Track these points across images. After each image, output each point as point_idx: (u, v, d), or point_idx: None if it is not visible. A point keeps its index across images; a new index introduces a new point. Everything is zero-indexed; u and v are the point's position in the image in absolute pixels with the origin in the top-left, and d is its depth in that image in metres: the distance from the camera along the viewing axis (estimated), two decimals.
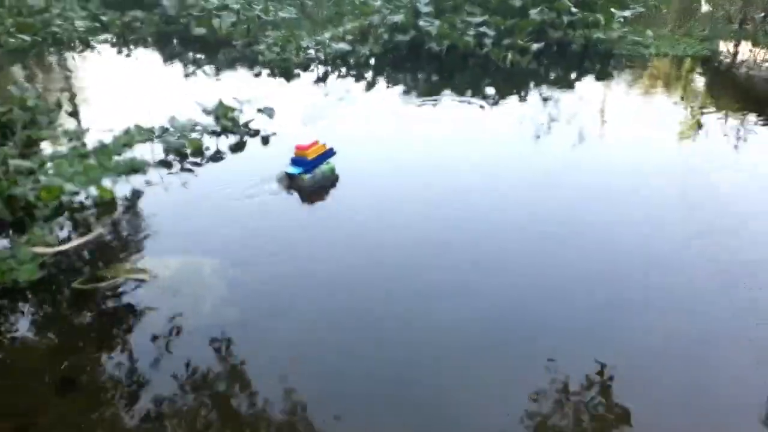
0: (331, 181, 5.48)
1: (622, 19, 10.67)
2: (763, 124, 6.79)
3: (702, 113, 7.27)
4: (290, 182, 5.35)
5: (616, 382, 3.08)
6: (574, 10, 10.30)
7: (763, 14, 11.00)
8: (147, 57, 11.05)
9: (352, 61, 10.22)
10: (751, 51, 10.19)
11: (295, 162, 5.44)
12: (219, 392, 3.06)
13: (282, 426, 2.85)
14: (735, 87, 8.59)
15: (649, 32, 10.95)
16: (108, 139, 6.22)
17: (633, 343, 3.39)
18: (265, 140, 6.62)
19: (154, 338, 3.42)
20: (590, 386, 3.06)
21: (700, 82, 9.00)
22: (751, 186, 5.33)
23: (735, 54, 10.15)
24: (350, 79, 9.29)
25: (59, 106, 7.58)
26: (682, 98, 7.92)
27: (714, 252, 4.18)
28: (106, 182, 5.18)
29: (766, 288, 3.79)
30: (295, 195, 5.22)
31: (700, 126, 6.76)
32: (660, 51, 10.20)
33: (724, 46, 10.46)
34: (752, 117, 7.03)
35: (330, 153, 5.70)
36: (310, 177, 5.33)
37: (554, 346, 3.35)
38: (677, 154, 6.00)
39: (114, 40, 12.29)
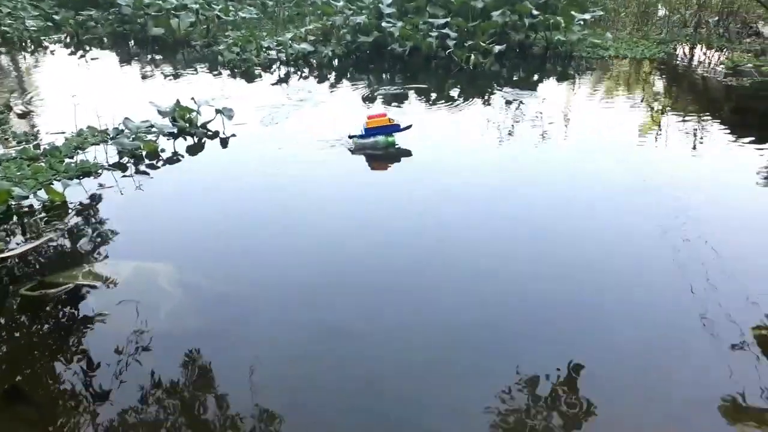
0: (384, 150, 6.03)
1: (581, 22, 10.81)
2: (718, 124, 6.93)
3: (661, 114, 7.39)
4: (351, 143, 6.12)
5: (582, 380, 3.05)
6: (535, 12, 10.38)
7: (716, 18, 11.29)
8: (102, 57, 10.75)
9: (314, 61, 10.12)
10: (705, 54, 10.43)
11: (364, 129, 6.10)
12: (176, 405, 2.93)
13: None
14: (691, 89, 8.77)
15: (608, 35, 11.12)
16: (59, 141, 6.03)
17: (597, 341, 3.38)
18: (224, 142, 6.47)
19: (106, 347, 3.27)
20: (556, 385, 3.03)
21: (658, 83, 9.15)
22: (713, 187, 5.43)
23: (690, 57, 10.37)
24: (312, 80, 9.18)
25: (8, 107, 7.33)
26: (642, 100, 8.04)
27: (677, 251, 4.21)
28: (57, 185, 4.99)
29: (732, 289, 3.82)
30: (255, 194, 5.10)
31: (658, 126, 6.86)
32: (619, 53, 10.36)
33: (680, 49, 10.68)
34: (707, 117, 7.17)
35: (394, 128, 6.12)
36: (360, 142, 6.05)
37: (520, 347, 3.31)
38: (637, 154, 6.06)
39: (68, 40, 11.94)
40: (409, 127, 6.21)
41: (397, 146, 6.10)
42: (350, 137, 6.11)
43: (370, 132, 6.06)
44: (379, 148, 6.05)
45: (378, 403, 2.93)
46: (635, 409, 2.89)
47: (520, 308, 3.66)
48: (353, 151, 6.02)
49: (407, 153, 6.03)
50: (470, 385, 3.02)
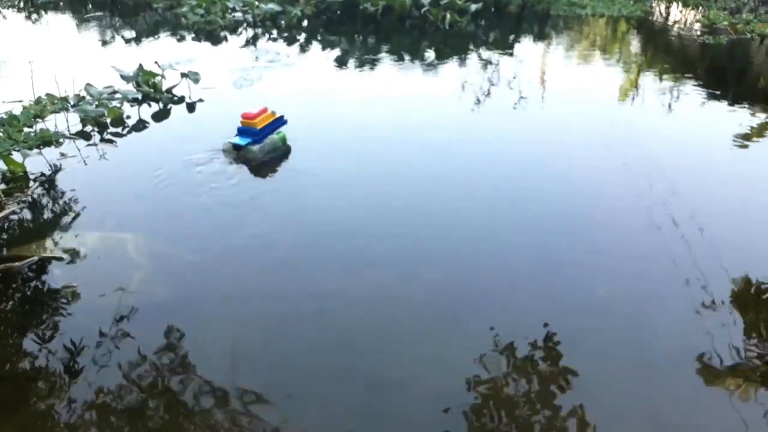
0: (282, 151, 5.01)
1: None
2: (693, 83, 6.90)
3: (638, 73, 7.33)
4: (237, 154, 4.83)
5: (560, 337, 3.02)
6: None
7: None
8: (58, 22, 10.27)
9: (283, 22, 9.80)
10: (681, 12, 10.39)
11: (242, 132, 4.88)
12: (152, 375, 2.81)
13: (226, 410, 2.64)
14: (667, 47, 8.71)
15: None
16: (17, 109, 5.73)
17: (576, 300, 3.34)
18: (191, 107, 6.23)
19: (75, 319, 3.10)
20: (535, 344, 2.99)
21: (635, 42, 9.08)
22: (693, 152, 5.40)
23: (667, 15, 10.32)
24: (282, 42, 8.89)
25: None
26: (619, 60, 7.97)
27: (656, 213, 4.17)
28: (16, 156, 4.74)
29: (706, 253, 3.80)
30: (217, 165, 4.87)
31: (636, 86, 6.80)
32: (596, 11, 10.25)
33: (657, 7, 10.62)
34: (683, 76, 7.14)
35: (281, 121, 5.23)
36: (260, 147, 4.82)
37: (499, 305, 3.27)
38: (616, 114, 6.01)
39: (21, 4, 11.38)
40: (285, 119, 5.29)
41: (287, 142, 5.07)
42: (237, 146, 4.82)
43: (262, 132, 4.94)
44: (277, 150, 4.96)
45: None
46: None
47: (498, 270, 3.61)
48: (250, 161, 4.78)
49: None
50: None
